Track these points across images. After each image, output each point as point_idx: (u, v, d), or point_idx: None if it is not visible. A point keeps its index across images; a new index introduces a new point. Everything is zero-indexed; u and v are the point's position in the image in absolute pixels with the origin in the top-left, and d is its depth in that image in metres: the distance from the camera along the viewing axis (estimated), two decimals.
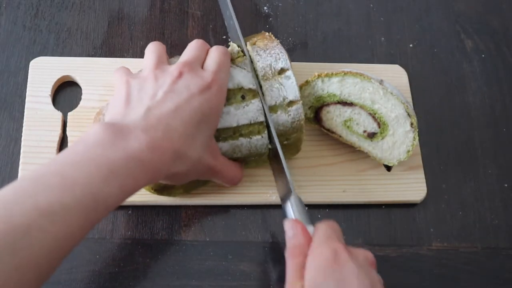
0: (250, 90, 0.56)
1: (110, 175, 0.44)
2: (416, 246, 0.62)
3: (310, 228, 0.51)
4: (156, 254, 0.59)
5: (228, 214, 0.61)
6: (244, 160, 0.59)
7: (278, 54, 0.58)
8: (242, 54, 0.59)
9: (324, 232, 0.49)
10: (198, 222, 0.61)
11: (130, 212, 0.60)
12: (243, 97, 0.56)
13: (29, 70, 0.64)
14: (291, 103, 0.57)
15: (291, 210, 0.53)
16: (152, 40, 0.57)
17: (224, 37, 0.71)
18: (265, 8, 0.74)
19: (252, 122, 0.56)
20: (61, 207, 0.41)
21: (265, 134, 0.57)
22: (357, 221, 0.63)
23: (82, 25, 0.70)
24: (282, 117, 0.57)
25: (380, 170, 0.64)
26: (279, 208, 0.62)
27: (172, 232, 0.60)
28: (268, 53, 0.58)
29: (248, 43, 0.59)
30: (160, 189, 0.58)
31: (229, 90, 0.56)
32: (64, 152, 0.45)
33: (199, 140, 0.51)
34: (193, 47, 0.56)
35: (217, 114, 0.53)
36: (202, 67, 0.55)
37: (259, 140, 0.57)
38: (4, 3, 0.70)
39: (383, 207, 0.64)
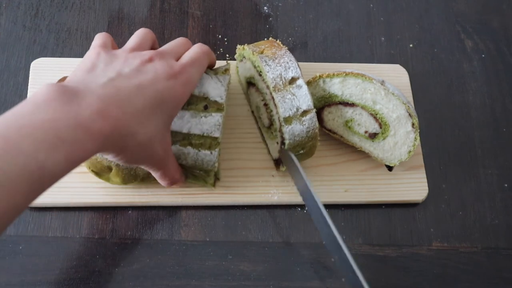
0: (215, 102, 0.55)
1: (57, 142, 0.42)
2: (416, 246, 0.63)
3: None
4: (156, 254, 0.59)
5: (228, 214, 0.61)
6: (190, 172, 0.58)
7: (287, 62, 0.58)
8: (227, 72, 0.58)
9: None
10: (198, 222, 0.61)
11: (130, 212, 0.60)
12: (205, 107, 0.55)
13: (30, 71, 0.64)
14: (304, 112, 0.57)
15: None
16: None
17: (225, 38, 0.71)
18: (265, 8, 0.74)
19: (204, 134, 0.55)
20: (3, 176, 0.39)
21: (216, 152, 0.56)
22: (357, 221, 0.63)
23: (82, 25, 0.70)
24: (297, 128, 0.56)
25: (382, 170, 0.64)
26: (279, 208, 0.62)
27: (172, 232, 0.60)
28: (277, 62, 0.58)
29: (255, 52, 0.59)
30: (98, 171, 0.58)
31: (192, 96, 0.55)
32: (11, 111, 0.43)
33: (153, 124, 0.50)
34: (174, 43, 0.56)
35: (177, 104, 0.52)
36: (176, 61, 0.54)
37: (207, 155, 0.56)
38: (4, 3, 0.70)
39: (383, 207, 0.64)
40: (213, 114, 0.55)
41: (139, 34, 0.55)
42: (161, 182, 0.57)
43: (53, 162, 0.41)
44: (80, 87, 0.46)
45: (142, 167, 0.55)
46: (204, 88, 0.56)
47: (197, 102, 0.55)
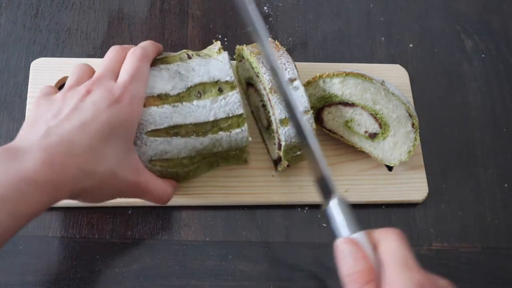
0: (227, 82, 0.56)
1: None
2: (416, 246, 0.62)
3: (358, 235, 0.44)
4: (156, 254, 0.59)
5: (228, 214, 0.61)
6: (221, 157, 0.59)
7: (284, 64, 0.58)
8: (221, 50, 0.58)
9: (401, 254, 0.42)
10: (198, 222, 0.61)
11: (130, 212, 0.60)
12: (220, 90, 0.56)
13: (30, 71, 0.64)
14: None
15: (335, 215, 0.46)
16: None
17: (225, 38, 0.71)
18: (265, 8, 0.74)
19: (230, 115, 0.56)
20: None
21: (245, 127, 0.56)
22: (357, 221, 0.63)
23: (82, 25, 0.70)
24: (294, 129, 0.56)
25: (382, 170, 0.64)
26: (279, 208, 0.62)
27: (172, 232, 0.60)
28: None
29: (253, 53, 0.59)
30: None
31: (204, 84, 0.55)
32: None
33: (110, 155, 0.49)
34: (107, 58, 0.54)
35: (129, 126, 0.51)
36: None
37: (239, 133, 0.56)
38: (4, 3, 0.70)
39: (383, 207, 0.64)
40: (230, 93, 0.56)
41: (76, 70, 0.54)
42: (153, 203, 0.56)
43: None
44: (22, 143, 0.46)
45: (123, 198, 0.53)
46: (212, 73, 0.56)
47: (211, 89, 0.56)
